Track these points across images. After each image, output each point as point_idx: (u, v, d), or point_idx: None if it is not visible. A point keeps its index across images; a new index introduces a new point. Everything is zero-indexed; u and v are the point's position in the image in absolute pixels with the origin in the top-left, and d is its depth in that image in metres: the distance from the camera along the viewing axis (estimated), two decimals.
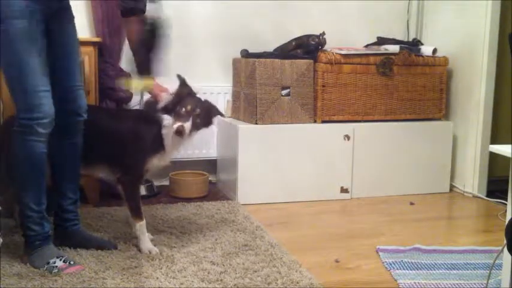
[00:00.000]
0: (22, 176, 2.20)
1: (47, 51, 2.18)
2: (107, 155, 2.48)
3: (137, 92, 3.08)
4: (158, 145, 2.46)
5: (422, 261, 2.43)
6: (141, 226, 2.45)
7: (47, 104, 2.13)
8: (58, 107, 2.17)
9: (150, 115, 2.49)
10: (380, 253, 2.52)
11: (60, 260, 2.22)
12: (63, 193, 2.42)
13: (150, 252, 2.40)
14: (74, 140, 2.38)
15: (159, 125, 2.46)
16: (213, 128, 3.29)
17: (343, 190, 3.46)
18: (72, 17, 2.34)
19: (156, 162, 2.49)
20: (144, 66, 2.42)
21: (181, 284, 2.12)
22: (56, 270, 2.17)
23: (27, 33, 2.09)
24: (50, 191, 2.32)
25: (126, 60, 3.07)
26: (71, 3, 2.33)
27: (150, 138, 2.45)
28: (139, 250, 2.42)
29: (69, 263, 2.22)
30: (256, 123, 3.31)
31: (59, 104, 2.19)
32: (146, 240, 2.44)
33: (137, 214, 2.45)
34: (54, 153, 2.28)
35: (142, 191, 3.29)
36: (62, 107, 2.23)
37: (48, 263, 2.20)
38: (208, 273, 2.22)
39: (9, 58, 2.10)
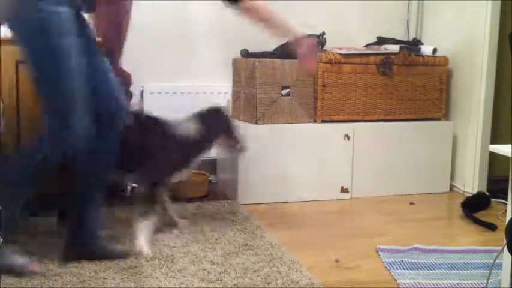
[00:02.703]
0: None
1: None
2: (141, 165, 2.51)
3: None
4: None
5: (422, 261, 2.43)
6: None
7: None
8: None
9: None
10: (380, 253, 2.52)
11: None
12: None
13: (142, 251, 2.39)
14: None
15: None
16: None
17: (343, 190, 3.46)
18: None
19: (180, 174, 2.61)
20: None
21: (181, 283, 2.12)
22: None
23: (74, 48, 2.06)
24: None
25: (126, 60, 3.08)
26: None
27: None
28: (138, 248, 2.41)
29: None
30: (256, 123, 3.31)
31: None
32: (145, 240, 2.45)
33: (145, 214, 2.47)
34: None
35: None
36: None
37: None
38: (208, 273, 2.22)
39: (60, 74, 2.05)
